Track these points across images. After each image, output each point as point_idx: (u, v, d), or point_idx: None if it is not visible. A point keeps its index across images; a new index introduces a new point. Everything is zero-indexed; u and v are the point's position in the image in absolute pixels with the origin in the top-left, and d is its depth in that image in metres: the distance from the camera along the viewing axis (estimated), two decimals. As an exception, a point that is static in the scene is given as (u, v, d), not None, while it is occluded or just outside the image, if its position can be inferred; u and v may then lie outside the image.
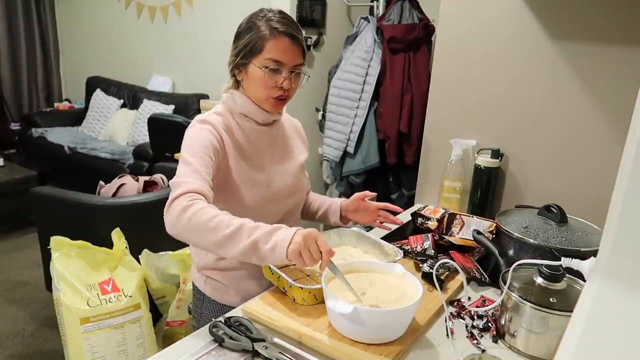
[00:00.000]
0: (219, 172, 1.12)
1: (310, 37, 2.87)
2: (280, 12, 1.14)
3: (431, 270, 1.11)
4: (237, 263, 1.22)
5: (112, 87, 4.72)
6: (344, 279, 0.98)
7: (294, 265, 1.18)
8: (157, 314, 1.98)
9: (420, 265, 1.22)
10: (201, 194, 1.00)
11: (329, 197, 1.42)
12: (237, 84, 1.20)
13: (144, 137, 4.07)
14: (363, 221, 1.33)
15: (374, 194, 1.32)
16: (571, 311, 0.68)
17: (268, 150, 1.22)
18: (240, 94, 1.18)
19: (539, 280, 0.97)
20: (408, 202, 2.57)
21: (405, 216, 1.66)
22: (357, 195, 1.32)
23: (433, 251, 1.28)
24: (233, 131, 1.17)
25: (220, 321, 0.97)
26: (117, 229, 1.82)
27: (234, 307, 1.20)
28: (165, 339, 1.97)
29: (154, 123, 3.51)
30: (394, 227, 1.42)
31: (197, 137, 1.10)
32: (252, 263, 1.18)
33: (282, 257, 0.92)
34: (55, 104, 5.29)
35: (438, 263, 1.09)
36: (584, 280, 0.94)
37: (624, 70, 1.39)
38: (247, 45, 1.12)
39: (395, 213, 1.32)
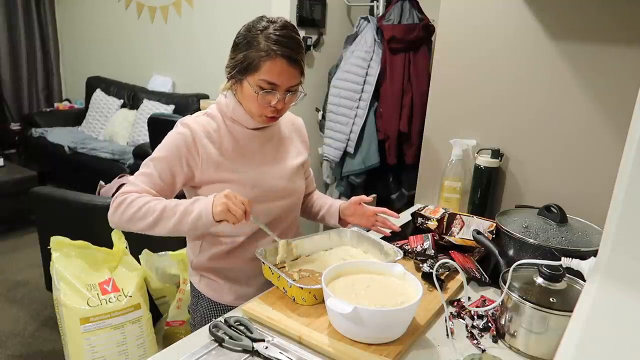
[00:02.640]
0: (197, 175, 1.15)
1: (310, 37, 2.87)
2: (283, 27, 1.08)
3: (431, 270, 1.11)
4: (228, 263, 1.22)
5: (112, 87, 4.72)
6: (268, 230, 1.14)
7: (293, 261, 1.18)
8: (157, 314, 1.98)
9: (420, 265, 1.22)
10: (140, 193, 1.11)
11: (330, 198, 1.41)
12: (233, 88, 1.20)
13: (144, 137, 4.08)
14: (360, 225, 1.33)
15: (370, 198, 1.32)
16: (571, 311, 0.68)
17: (257, 153, 1.21)
18: (233, 99, 1.17)
19: (539, 280, 0.97)
20: (408, 202, 2.58)
21: (405, 216, 1.66)
22: (354, 199, 1.32)
23: (433, 251, 1.28)
24: (220, 133, 1.17)
25: (220, 321, 0.98)
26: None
27: (227, 305, 1.21)
28: (165, 339, 1.97)
29: (154, 123, 3.51)
30: (395, 220, 1.41)
31: (169, 141, 1.15)
32: (239, 259, 1.23)
33: (209, 220, 1.03)
34: (55, 104, 5.29)
35: (438, 263, 1.09)
36: (584, 280, 0.94)
37: (624, 70, 1.39)
38: (243, 61, 1.09)
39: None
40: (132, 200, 1.08)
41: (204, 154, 1.14)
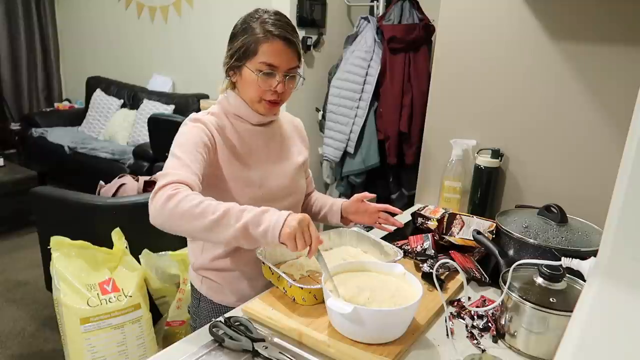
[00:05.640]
0: (210, 170, 1.12)
1: (310, 37, 2.87)
2: (276, 14, 1.13)
3: (431, 270, 1.11)
4: (231, 264, 1.22)
5: (112, 87, 4.72)
6: (326, 269, 0.99)
7: (295, 259, 1.18)
8: (157, 314, 1.98)
9: (420, 265, 1.22)
10: (187, 184, 0.99)
11: (330, 197, 1.41)
12: (232, 85, 1.20)
13: (144, 137, 4.07)
14: (363, 222, 1.33)
15: (373, 195, 1.32)
16: (571, 311, 0.68)
17: (263, 150, 1.21)
18: (234, 95, 1.18)
19: (539, 280, 0.97)
20: (408, 202, 2.57)
21: (405, 216, 1.66)
22: (356, 196, 1.32)
23: (433, 251, 1.28)
24: (226, 131, 1.17)
25: (220, 321, 0.98)
26: (117, 229, 1.82)
27: (230, 307, 1.21)
28: (165, 339, 1.97)
29: (154, 123, 3.51)
30: (394, 228, 1.41)
31: (188, 134, 1.10)
32: (241, 260, 1.20)
33: (274, 240, 0.93)
34: (55, 104, 5.29)
35: (438, 263, 1.09)
36: (584, 280, 0.94)
37: (624, 70, 1.39)
38: (241, 47, 1.11)
39: (395, 214, 1.32)
40: (187, 195, 0.95)
41: (219, 145, 1.13)
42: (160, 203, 0.96)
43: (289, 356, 0.89)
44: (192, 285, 1.31)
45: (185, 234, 1.01)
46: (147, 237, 1.93)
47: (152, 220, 0.99)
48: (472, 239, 1.27)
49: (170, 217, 0.95)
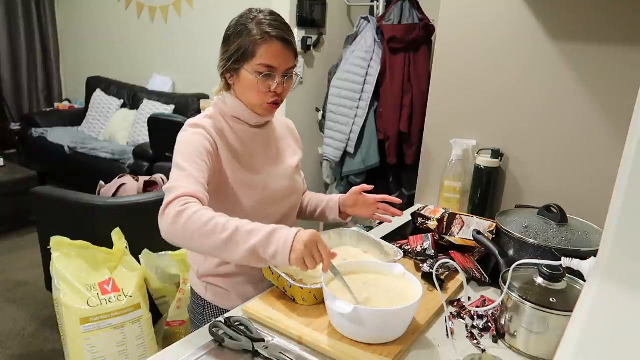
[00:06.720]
0: (214, 175, 1.10)
1: (310, 37, 2.87)
2: (271, 13, 1.12)
3: (431, 270, 1.11)
4: (237, 268, 1.21)
5: (112, 87, 4.72)
6: (343, 281, 0.98)
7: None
8: (157, 314, 1.98)
9: (420, 265, 1.22)
10: (195, 197, 0.98)
11: (325, 195, 1.40)
12: (228, 86, 1.18)
13: (144, 137, 4.07)
14: (362, 215, 1.32)
15: (371, 186, 1.31)
16: (571, 311, 0.68)
17: (262, 152, 1.21)
18: (231, 97, 1.16)
19: (539, 280, 0.97)
20: (408, 202, 2.57)
21: (405, 216, 1.66)
22: (354, 189, 1.31)
23: (433, 251, 1.28)
24: (225, 134, 1.15)
25: (220, 321, 0.97)
26: (117, 229, 1.82)
27: None
28: (165, 339, 1.97)
29: (154, 123, 3.52)
30: (394, 219, 1.40)
31: (189, 141, 1.08)
32: (250, 266, 1.18)
33: (285, 263, 0.92)
34: (55, 104, 5.29)
35: (438, 263, 1.09)
36: (584, 280, 0.94)
37: (624, 70, 1.39)
38: (238, 50, 1.09)
39: (395, 205, 1.31)
40: (196, 212, 0.93)
41: (221, 150, 1.12)
42: (170, 220, 0.94)
43: (289, 356, 0.89)
44: (194, 292, 1.29)
45: (198, 252, 1.00)
46: (147, 237, 1.92)
47: (164, 237, 0.97)
48: (472, 239, 1.27)
49: (182, 236, 0.95)
